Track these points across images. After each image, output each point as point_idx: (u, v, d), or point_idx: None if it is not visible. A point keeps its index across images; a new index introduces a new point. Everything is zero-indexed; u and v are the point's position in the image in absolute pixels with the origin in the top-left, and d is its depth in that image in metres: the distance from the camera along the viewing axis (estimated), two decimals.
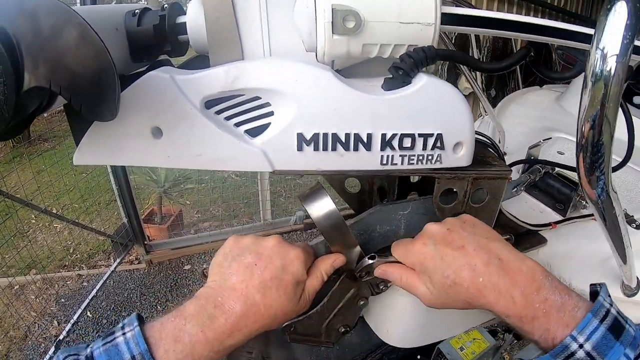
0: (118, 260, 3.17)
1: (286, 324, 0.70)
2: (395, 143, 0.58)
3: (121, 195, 2.98)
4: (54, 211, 3.51)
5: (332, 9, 0.52)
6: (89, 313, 2.85)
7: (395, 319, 0.80)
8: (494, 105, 2.01)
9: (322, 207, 0.64)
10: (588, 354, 0.49)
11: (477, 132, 0.78)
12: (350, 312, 0.74)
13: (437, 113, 0.57)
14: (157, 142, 0.58)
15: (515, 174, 1.23)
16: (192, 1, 0.62)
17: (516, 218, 0.97)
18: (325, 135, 0.56)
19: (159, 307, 2.95)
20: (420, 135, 0.58)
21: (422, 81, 0.56)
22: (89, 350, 0.51)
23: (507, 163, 1.08)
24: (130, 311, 2.85)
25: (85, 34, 0.43)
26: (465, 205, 0.70)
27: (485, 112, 1.66)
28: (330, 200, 0.64)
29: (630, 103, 1.59)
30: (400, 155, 0.59)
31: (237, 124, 0.58)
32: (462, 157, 0.61)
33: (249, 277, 0.59)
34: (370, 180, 0.88)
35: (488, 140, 0.77)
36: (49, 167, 3.69)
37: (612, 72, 0.47)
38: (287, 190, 4.22)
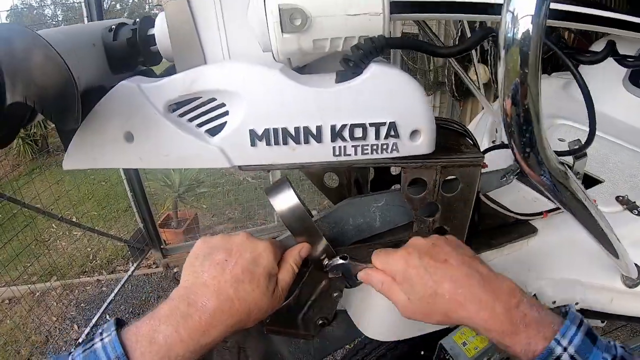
0: (135, 265, 3.23)
1: None
2: (345, 134, 0.58)
3: (136, 201, 3.02)
4: (74, 219, 3.60)
5: (279, 8, 0.53)
6: (107, 317, 2.91)
7: (374, 311, 0.80)
8: None
9: (285, 200, 0.65)
10: (572, 357, 0.51)
11: (449, 120, 0.77)
12: (326, 305, 0.75)
13: (388, 101, 0.57)
14: (130, 145, 0.61)
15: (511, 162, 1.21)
16: (159, 14, 0.65)
17: (504, 207, 0.96)
18: (275, 130, 0.58)
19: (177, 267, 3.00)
20: (371, 124, 0.58)
21: (370, 70, 0.56)
22: (70, 357, 0.53)
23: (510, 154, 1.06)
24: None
25: (49, 55, 0.48)
26: (437, 195, 0.69)
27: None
28: (293, 194, 0.65)
29: (637, 85, 1.54)
30: (352, 146, 0.59)
31: (199, 125, 0.61)
32: (421, 144, 0.61)
33: (221, 272, 0.60)
34: (347, 174, 0.89)
35: (461, 128, 0.76)
36: (67, 176, 3.78)
37: (528, 34, 0.42)
38: (302, 192, 4.24)
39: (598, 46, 1.68)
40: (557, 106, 1.76)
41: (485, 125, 1.67)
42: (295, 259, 0.67)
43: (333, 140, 0.59)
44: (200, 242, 0.66)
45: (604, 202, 1.09)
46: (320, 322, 0.76)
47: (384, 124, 0.58)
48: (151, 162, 0.63)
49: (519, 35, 0.43)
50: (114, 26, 0.69)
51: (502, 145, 1.07)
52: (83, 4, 2.51)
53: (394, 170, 0.91)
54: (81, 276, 3.38)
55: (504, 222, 0.96)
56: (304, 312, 0.74)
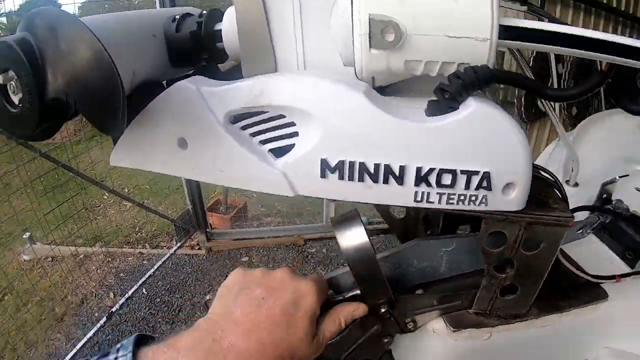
0: (178, 244, 3.27)
1: None
2: (432, 179, 0.50)
3: (188, 182, 3.04)
4: (126, 190, 3.69)
5: (370, 19, 0.45)
6: (144, 290, 2.96)
7: (424, 356, 0.73)
8: (574, 126, 1.83)
9: (354, 237, 0.59)
10: None
11: (538, 167, 0.68)
12: (373, 348, 0.68)
13: (486, 147, 0.49)
14: (183, 152, 0.56)
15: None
16: (229, 8, 0.58)
17: (576, 266, 0.86)
18: (351, 163, 0.50)
19: (210, 294, 3.00)
20: (463, 172, 0.49)
21: (470, 108, 0.47)
22: None
23: (577, 197, 0.95)
24: (184, 293, 2.93)
25: (97, 54, 0.43)
26: (516, 251, 0.61)
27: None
28: (364, 232, 0.59)
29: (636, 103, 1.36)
30: (437, 193, 0.51)
31: (263, 142, 0.54)
32: (513, 200, 0.52)
33: (256, 311, 0.53)
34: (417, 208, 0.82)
35: (551, 178, 0.67)
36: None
37: None
38: None
39: None
40: (634, 149, 1.60)
41: (558, 159, 1.53)
42: (346, 316, 0.60)
43: (417, 184, 0.50)
44: (236, 273, 0.59)
45: None
46: None
47: (477, 173, 0.49)
48: (204, 175, 0.56)
49: None
50: (177, 16, 0.62)
51: (595, 208, 0.96)
52: None
53: None
54: (125, 246, 3.45)
55: (573, 281, 0.86)
56: (347, 353, 0.68)
